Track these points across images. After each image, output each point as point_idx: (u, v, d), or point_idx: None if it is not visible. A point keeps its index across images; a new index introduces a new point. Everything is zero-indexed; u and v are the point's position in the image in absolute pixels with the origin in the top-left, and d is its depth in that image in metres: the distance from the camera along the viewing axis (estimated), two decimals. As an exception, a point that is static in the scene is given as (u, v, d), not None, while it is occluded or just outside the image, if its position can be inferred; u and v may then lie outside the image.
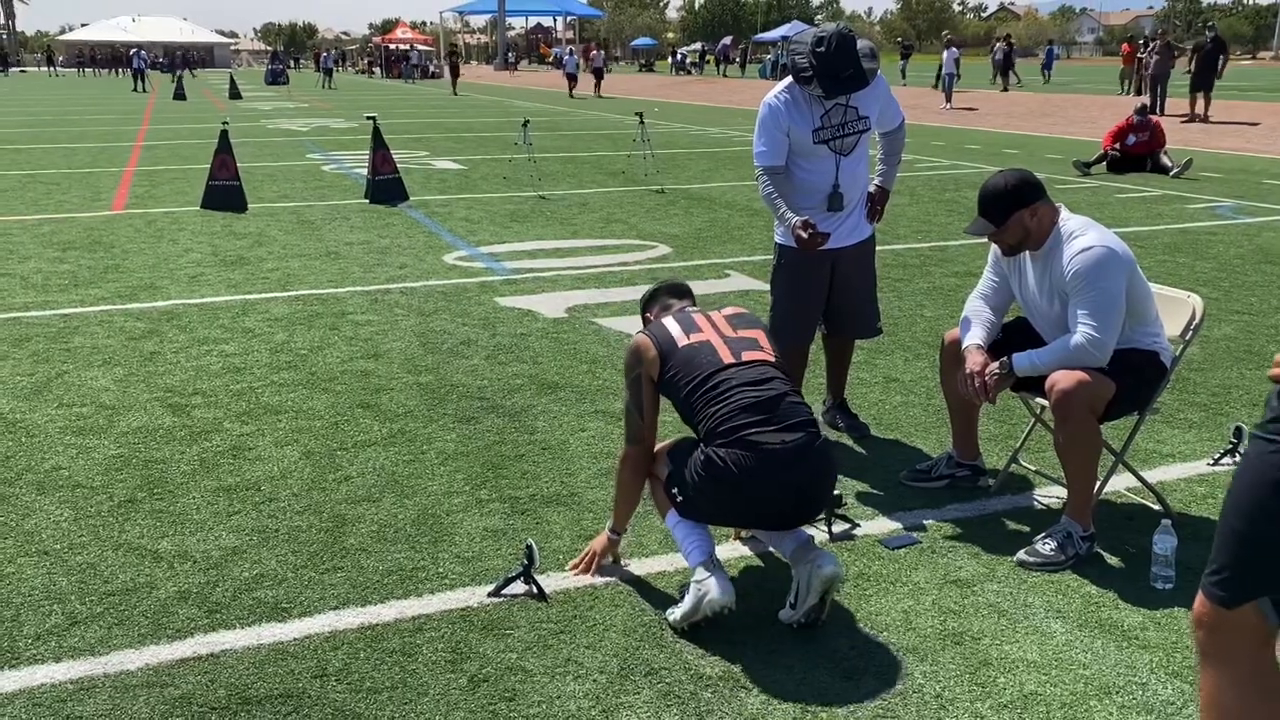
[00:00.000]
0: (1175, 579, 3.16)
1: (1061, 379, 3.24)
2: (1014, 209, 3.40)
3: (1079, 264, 3.29)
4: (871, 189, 4.23)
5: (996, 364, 3.41)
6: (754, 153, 4.09)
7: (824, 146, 3.99)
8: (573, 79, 37.26)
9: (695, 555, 2.91)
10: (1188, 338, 3.58)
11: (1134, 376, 3.37)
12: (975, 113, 24.99)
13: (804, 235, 3.87)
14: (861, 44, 3.87)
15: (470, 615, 3.00)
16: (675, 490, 3.01)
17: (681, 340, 3.07)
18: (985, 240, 3.55)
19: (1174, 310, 3.60)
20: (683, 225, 9.66)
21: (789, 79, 4.01)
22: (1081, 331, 3.27)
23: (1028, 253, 3.50)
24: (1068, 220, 3.43)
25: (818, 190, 4.05)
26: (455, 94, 37.81)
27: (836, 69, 3.80)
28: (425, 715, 2.55)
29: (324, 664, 2.76)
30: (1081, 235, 3.36)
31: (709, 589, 2.81)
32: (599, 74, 37.70)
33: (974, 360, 3.46)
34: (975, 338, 3.55)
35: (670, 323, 3.14)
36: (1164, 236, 8.93)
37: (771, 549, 3.30)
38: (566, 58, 39.67)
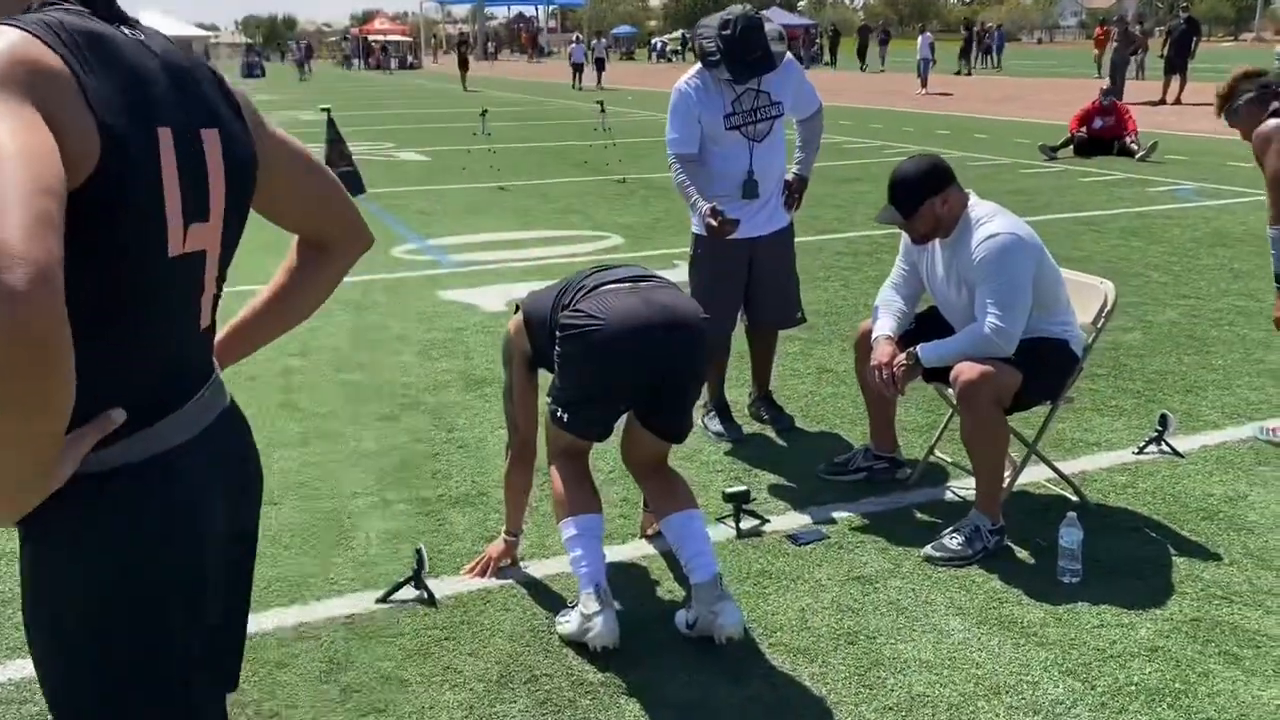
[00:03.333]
0: (1083, 572, 3.09)
1: (965, 370, 3.17)
2: (925, 197, 3.32)
3: (984, 251, 3.22)
4: (789, 177, 4.14)
5: (903, 355, 3.33)
6: (666, 140, 4.01)
7: (736, 133, 3.90)
8: (579, 69, 33.61)
9: (584, 580, 2.76)
10: (1100, 325, 3.50)
11: (1043, 366, 3.29)
12: (949, 98, 24.91)
13: (713, 223, 3.78)
14: (770, 27, 3.78)
15: (355, 623, 2.91)
16: (552, 405, 2.80)
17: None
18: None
19: (1086, 297, 3.52)
20: (639, 215, 9.56)
21: (699, 64, 3.92)
22: (987, 321, 3.19)
23: (937, 240, 3.42)
24: (975, 206, 3.36)
25: (731, 178, 3.96)
26: (465, 90, 32.78)
27: (743, 52, 3.71)
28: (290, 729, 2.47)
29: (194, 676, 2.67)
30: (988, 222, 3.29)
31: (594, 626, 2.69)
32: (600, 64, 34.64)
33: (882, 351, 3.39)
34: (885, 328, 3.48)
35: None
36: (1121, 220, 8.86)
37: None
38: (574, 46, 35.47)
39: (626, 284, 2.76)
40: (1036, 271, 3.25)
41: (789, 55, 3.91)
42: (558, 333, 2.73)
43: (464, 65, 35.60)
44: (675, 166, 3.96)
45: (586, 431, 2.82)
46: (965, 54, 35.39)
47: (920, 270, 3.52)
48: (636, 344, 2.65)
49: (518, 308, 3.06)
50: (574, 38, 40.15)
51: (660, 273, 2.92)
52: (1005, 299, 3.18)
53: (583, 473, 2.90)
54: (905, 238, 3.54)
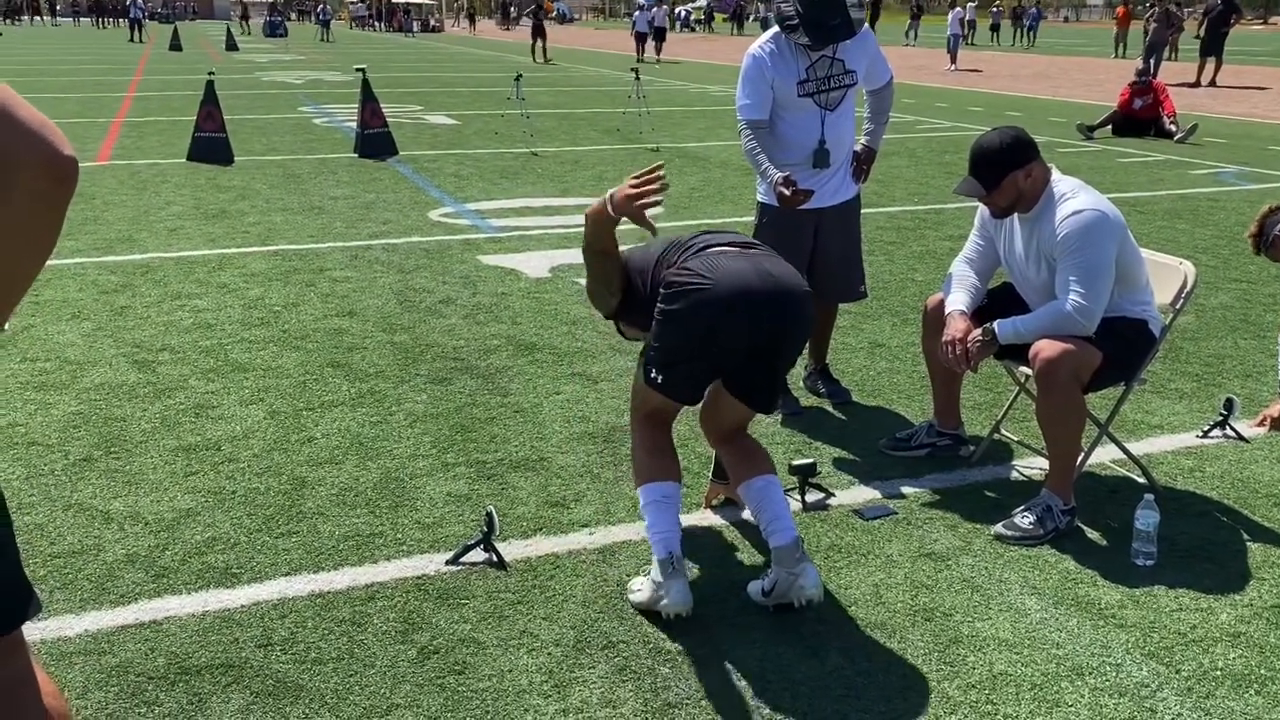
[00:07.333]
0: (1157, 555, 3.05)
1: (1046, 347, 3.12)
2: (1008, 170, 3.25)
3: (1069, 228, 3.16)
4: (858, 148, 4.08)
5: (979, 331, 3.28)
6: (737, 105, 3.95)
7: (809, 100, 3.84)
8: (643, 39, 29.74)
9: (658, 547, 2.73)
10: (1179, 306, 3.44)
11: (1121, 345, 3.24)
12: (980, 74, 24.64)
13: (786, 192, 3.73)
14: (848, -6, 3.71)
15: (426, 584, 2.90)
16: (648, 367, 2.76)
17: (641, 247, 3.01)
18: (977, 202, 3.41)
19: (1165, 277, 3.47)
20: (676, 184, 9.48)
21: (774, 29, 3.85)
22: (1069, 298, 3.14)
23: (1016, 215, 3.36)
24: (1059, 182, 3.29)
25: (802, 146, 3.90)
26: (541, 60, 29.06)
27: (823, 17, 3.65)
28: (370, 688, 2.46)
29: (270, 633, 2.66)
30: (1073, 198, 3.23)
31: (666, 594, 2.68)
32: (661, 34, 30.41)
33: (956, 327, 3.34)
34: (958, 303, 3.42)
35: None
36: (1165, 202, 8.75)
37: (750, 517, 3.20)
38: (638, 14, 31.07)
39: (735, 248, 2.73)
40: (1119, 249, 3.19)
41: (866, 25, 3.84)
42: (662, 289, 2.70)
43: (540, 34, 29.75)
44: (745, 133, 3.90)
45: (680, 392, 2.77)
46: (996, 29, 35.46)
47: (997, 245, 3.47)
48: (744, 307, 2.62)
49: None
50: (638, 4, 34.44)
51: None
52: (1089, 276, 3.12)
53: (666, 439, 2.87)
54: (982, 211, 3.48)
